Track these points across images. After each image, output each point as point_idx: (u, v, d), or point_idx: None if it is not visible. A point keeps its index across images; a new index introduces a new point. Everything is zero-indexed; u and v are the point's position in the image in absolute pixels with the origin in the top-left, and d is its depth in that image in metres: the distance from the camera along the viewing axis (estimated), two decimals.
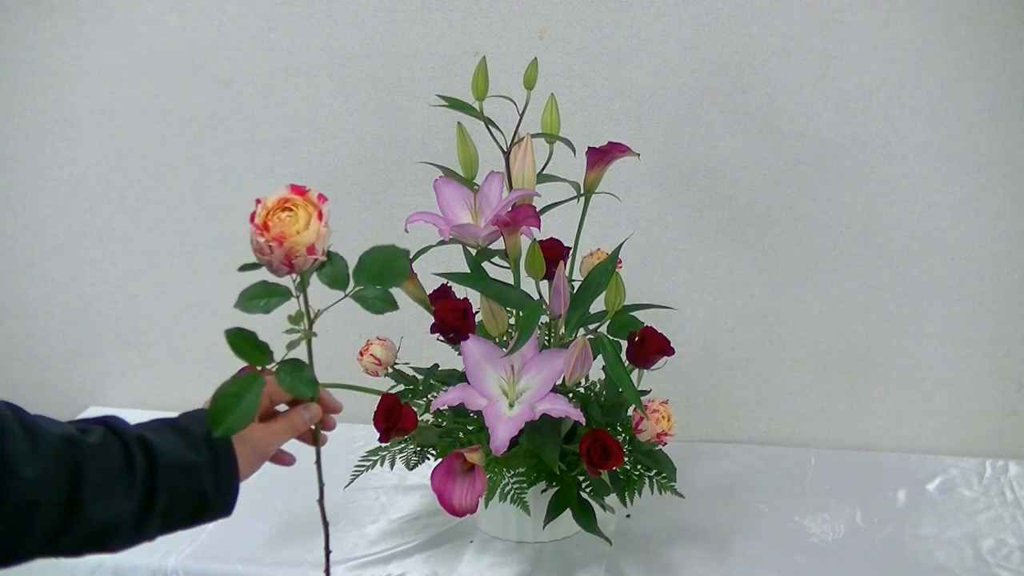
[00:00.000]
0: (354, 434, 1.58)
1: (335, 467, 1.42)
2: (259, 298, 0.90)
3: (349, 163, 1.68)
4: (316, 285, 0.93)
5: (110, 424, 0.91)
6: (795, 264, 1.60)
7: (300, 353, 0.94)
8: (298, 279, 0.91)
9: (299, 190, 0.89)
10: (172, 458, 0.90)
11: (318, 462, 1.02)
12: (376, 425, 1.23)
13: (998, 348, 1.59)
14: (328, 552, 1.04)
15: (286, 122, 1.68)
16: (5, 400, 0.87)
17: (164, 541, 1.40)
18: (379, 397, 1.25)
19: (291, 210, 0.88)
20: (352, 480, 1.38)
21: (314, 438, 1.04)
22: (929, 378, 1.62)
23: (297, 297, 0.91)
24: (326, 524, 1.03)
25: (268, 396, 1.00)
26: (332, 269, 0.93)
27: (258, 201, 0.88)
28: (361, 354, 1.34)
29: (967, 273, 1.56)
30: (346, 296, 0.94)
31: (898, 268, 1.58)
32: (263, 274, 0.92)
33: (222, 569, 1.37)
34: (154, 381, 1.86)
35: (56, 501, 0.84)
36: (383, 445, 1.33)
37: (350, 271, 0.95)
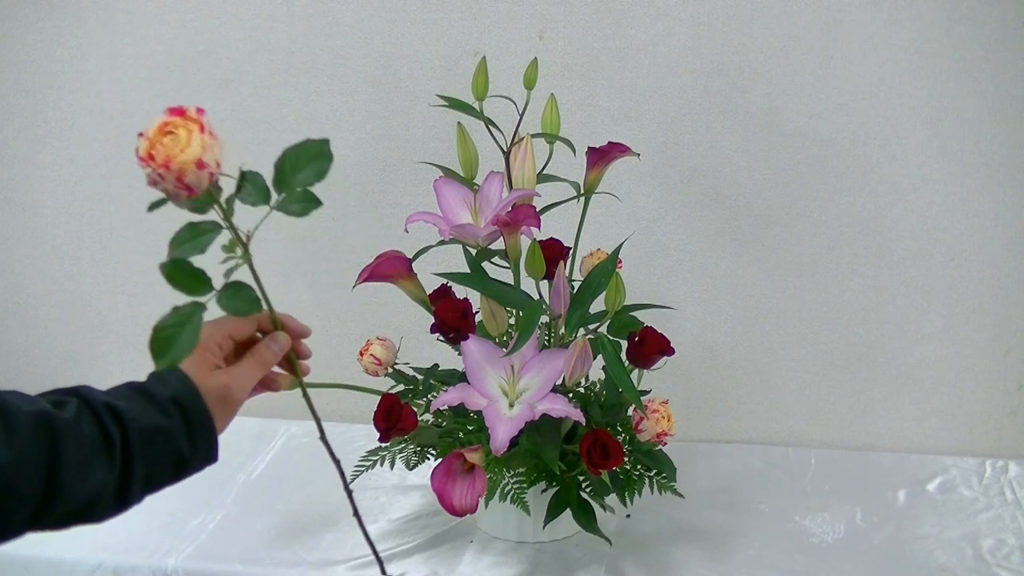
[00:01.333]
0: (354, 434, 1.58)
1: (334, 469, 1.43)
2: (189, 240, 0.87)
3: (349, 163, 1.68)
4: (245, 209, 0.91)
5: (82, 395, 0.89)
6: (795, 264, 1.60)
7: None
8: (222, 208, 0.88)
9: (177, 111, 0.85)
10: (143, 424, 0.88)
11: (305, 396, 0.98)
12: (376, 425, 1.23)
13: (998, 348, 1.59)
14: (349, 491, 1.00)
15: (286, 122, 1.68)
16: None
17: (164, 541, 1.41)
18: (379, 397, 1.25)
19: (172, 132, 0.84)
20: (352, 480, 1.38)
21: (292, 369, 1.01)
22: (929, 378, 1.62)
23: (228, 226, 0.88)
24: (336, 461, 0.99)
25: (230, 337, 0.97)
26: (251, 187, 0.91)
27: (140, 135, 0.83)
28: (361, 354, 1.34)
29: (967, 273, 1.56)
30: (272, 209, 0.91)
31: (898, 268, 1.58)
32: (188, 216, 0.89)
33: (222, 569, 1.37)
34: None
35: (34, 483, 0.82)
36: (383, 445, 1.33)
37: (269, 184, 0.91)
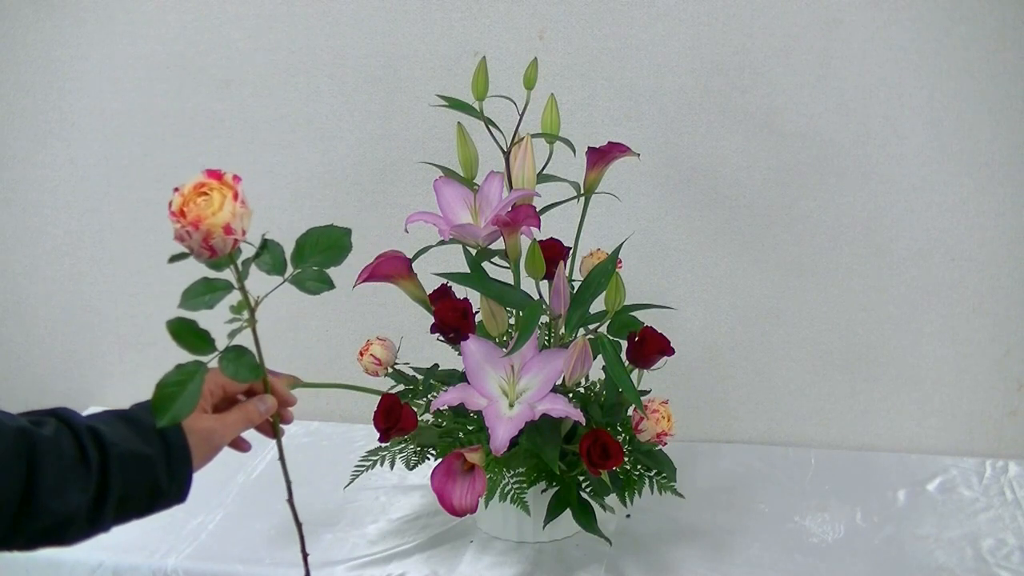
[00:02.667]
0: (354, 434, 1.58)
1: (335, 467, 1.43)
2: (201, 295, 0.90)
3: (349, 163, 1.68)
4: (259, 275, 0.93)
5: (61, 415, 0.91)
6: (795, 264, 1.60)
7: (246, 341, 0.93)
8: (237, 270, 0.91)
9: (215, 174, 0.88)
10: (123, 449, 0.90)
11: (281, 458, 1.01)
12: (376, 425, 1.23)
13: (998, 348, 1.59)
14: (305, 555, 1.03)
15: (286, 122, 1.68)
16: None
17: (164, 541, 1.41)
18: (379, 397, 1.25)
19: (206, 194, 0.87)
20: (352, 480, 1.38)
21: (274, 431, 1.03)
22: (929, 378, 1.62)
23: (239, 288, 0.91)
24: (299, 524, 1.02)
25: (222, 387, 1.00)
26: (269, 256, 0.93)
27: (176, 190, 0.87)
28: (361, 354, 1.34)
29: (967, 273, 1.56)
30: (284, 281, 0.94)
31: (898, 268, 1.58)
32: (204, 271, 0.92)
33: (222, 569, 1.37)
34: (154, 381, 1.85)
35: (11, 495, 0.83)
36: (383, 445, 1.33)
37: (288, 257, 0.95)
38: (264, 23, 1.64)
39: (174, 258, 0.91)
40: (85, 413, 1.95)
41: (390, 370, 1.36)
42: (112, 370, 1.88)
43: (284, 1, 1.62)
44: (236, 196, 0.88)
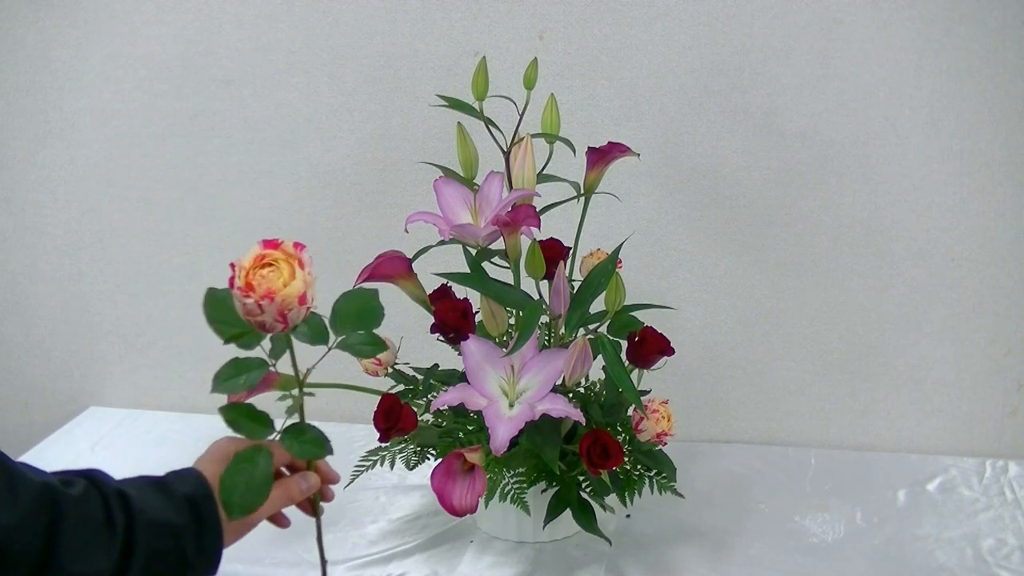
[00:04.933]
0: (354, 434, 1.58)
1: (335, 467, 1.42)
2: (236, 376, 0.88)
3: (349, 163, 1.68)
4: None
5: (92, 477, 0.89)
6: (795, 264, 1.60)
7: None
8: (272, 344, 0.90)
9: (272, 244, 0.86)
10: (152, 517, 0.88)
11: (319, 539, 1.01)
12: (376, 425, 1.23)
13: (998, 348, 1.59)
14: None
15: (286, 122, 1.68)
16: None
17: None
18: (379, 397, 1.25)
19: (271, 265, 0.84)
20: (352, 480, 1.38)
21: (314, 510, 1.02)
22: (929, 378, 1.62)
23: (272, 365, 0.90)
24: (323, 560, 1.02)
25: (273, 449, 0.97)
26: (308, 327, 0.92)
27: (232, 265, 0.84)
28: None
29: (967, 273, 1.56)
30: (331, 348, 0.93)
31: (898, 268, 1.58)
32: (231, 351, 0.90)
33: (222, 569, 1.35)
34: (154, 381, 1.86)
35: (31, 551, 0.81)
36: (383, 445, 1.33)
37: (326, 323, 0.94)
38: (264, 23, 1.64)
39: (233, 337, 0.89)
40: (85, 414, 1.95)
41: (390, 370, 1.36)
42: (112, 370, 1.88)
43: (284, 1, 1.62)
44: (303, 264, 0.85)
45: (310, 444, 0.91)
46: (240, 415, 0.90)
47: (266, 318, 0.84)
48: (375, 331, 0.97)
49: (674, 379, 1.40)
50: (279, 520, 1.03)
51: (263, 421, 0.90)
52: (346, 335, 0.94)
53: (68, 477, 0.88)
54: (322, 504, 1.04)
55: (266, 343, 0.91)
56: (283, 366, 0.94)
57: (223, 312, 0.88)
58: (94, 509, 0.85)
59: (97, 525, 0.85)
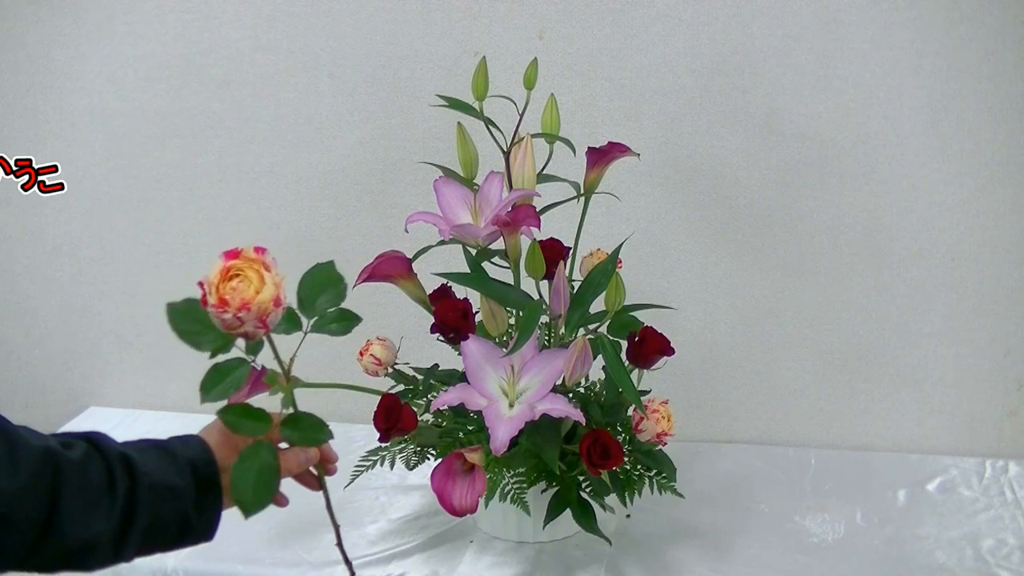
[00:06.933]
0: (354, 434, 1.58)
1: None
2: (221, 382, 0.90)
3: (349, 163, 1.68)
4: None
5: (94, 440, 0.89)
6: (795, 264, 1.60)
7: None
8: (271, 341, 0.91)
9: (233, 254, 0.86)
10: (155, 480, 0.89)
11: (328, 508, 1.03)
12: (376, 425, 1.23)
13: (998, 348, 1.59)
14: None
15: (286, 122, 1.68)
16: None
17: None
18: (379, 397, 1.25)
19: (238, 275, 0.85)
20: (352, 480, 1.38)
21: (320, 483, 1.04)
22: (929, 378, 1.62)
23: (252, 361, 0.91)
24: (348, 564, 1.04)
25: (267, 435, 0.98)
26: (282, 319, 0.92)
27: (201, 284, 0.85)
28: (361, 354, 1.34)
29: (967, 273, 1.56)
30: (307, 334, 0.95)
31: (898, 268, 1.58)
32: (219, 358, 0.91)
33: (222, 569, 1.37)
34: (154, 381, 1.86)
35: (33, 516, 0.82)
36: (383, 445, 1.33)
37: (295, 310, 0.95)
38: (264, 23, 1.64)
39: (217, 351, 0.90)
40: (85, 413, 1.95)
41: (390, 370, 1.36)
42: (112, 370, 1.88)
43: (284, 1, 1.62)
44: (268, 268, 0.86)
45: (309, 431, 0.93)
46: (239, 415, 0.91)
47: (247, 327, 0.85)
48: (344, 305, 0.99)
49: (674, 379, 1.40)
50: (278, 500, 1.03)
51: (262, 417, 0.92)
52: (317, 317, 0.95)
53: (69, 440, 0.88)
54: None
55: (240, 340, 0.92)
56: (263, 356, 0.96)
57: (191, 323, 0.90)
58: (95, 472, 0.86)
59: (98, 489, 0.86)
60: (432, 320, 1.28)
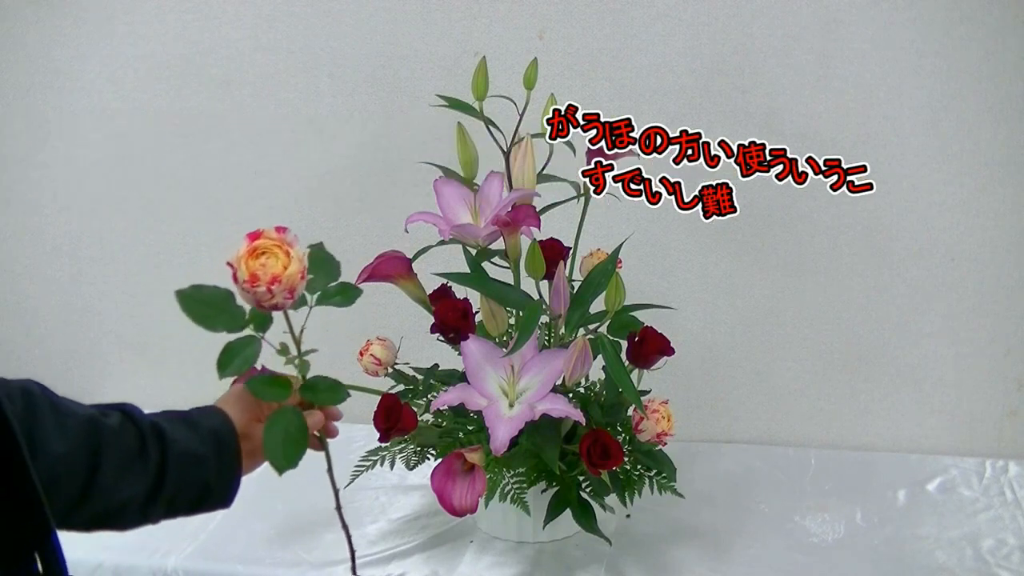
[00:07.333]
0: (354, 434, 1.58)
1: (335, 467, 1.43)
2: (235, 358, 0.95)
3: (349, 163, 1.68)
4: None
5: (126, 410, 0.96)
6: (795, 264, 1.60)
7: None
8: (254, 321, 0.96)
9: (256, 235, 0.94)
10: (182, 448, 0.95)
11: (329, 470, 1.05)
12: (376, 425, 1.23)
13: (998, 348, 1.59)
14: (353, 553, 1.08)
15: (286, 122, 1.68)
16: (32, 380, 0.91)
17: (164, 541, 1.41)
18: (379, 397, 1.25)
19: (265, 253, 0.93)
20: (352, 480, 1.38)
21: (322, 444, 1.07)
22: (929, 378, 1.62)
23: (261, 337, 0.96)
24: (346, 528, 1.06)
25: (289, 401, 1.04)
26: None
27: (230, 264, 0.93)
28: (361, 354, 1.34)
29: (967, 273, 1.56)
30: (312, 307, 1.00)
31: (898, 268, 1.58)
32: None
33: (222, 569, 1.37)
34: (154, 381, 1.86)
35: (77, 477, 0.88)
36: (383, 445, 1.33)
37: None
38: (264, 23, 1.64)
39: (236, 328, 0.96)
40: None
41: (390, 370, 1.36)
42: (112, 370, 1.88)
43: (284, 1, 1.63)
44: (292, 244, 0.94)
45: (328, 392, 1.00)
46: (263, 384, 0.98)
47: (277, 299, 0.93)
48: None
49: (674, 379, 1.39)
50: (313, 445, 1.08)
51: (284, 384, 0.98)
52: (320, 292, 1.01)
53: (105, 410, 0.95)
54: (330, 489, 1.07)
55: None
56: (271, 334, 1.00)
57: (201, 307, 0.96)
58: (130, 439, 0.93)
59: (132, 454, 0.93)
60: (432, 320, 1.27)
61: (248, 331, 0.96)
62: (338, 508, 1.05)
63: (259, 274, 0.91)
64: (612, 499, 1.32)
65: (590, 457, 1.19)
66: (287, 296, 0.93)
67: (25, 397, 0.88)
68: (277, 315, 0.97)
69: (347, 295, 1.03)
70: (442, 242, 1.31)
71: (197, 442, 0.97)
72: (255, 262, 0.92)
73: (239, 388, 1.05)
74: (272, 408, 1.01)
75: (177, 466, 0.94)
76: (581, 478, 1.30)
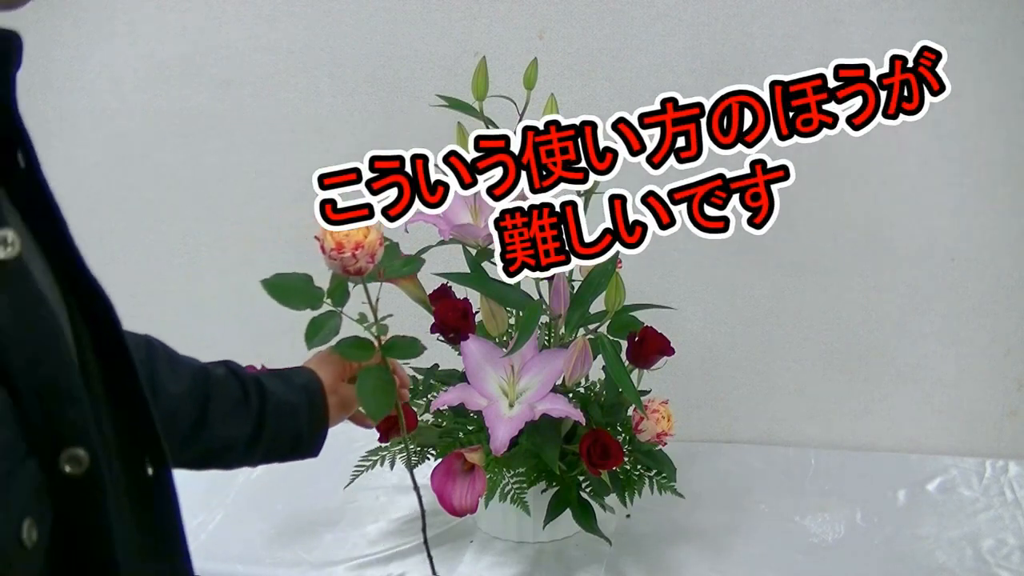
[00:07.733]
0: (354, 434, 1.58)
1: (335, 467, 1.43)
2: (319, 331, 1.04)
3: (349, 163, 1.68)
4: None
5: (231, 366, 1.06)
6: (795, 264, 1.60)
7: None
8: (332, 296, 1.06)
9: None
10: (280, 399, 1.04)
11: (407, 447, 1.17)
12: (376, 425, 1.23)
13: (998, 348, 1.58)
14: (425, 534, 1.17)
15: (286, 122, 1.68)
16: (151, 335, 1.01)
17: None
18: None
19: None
20: (352, 480, 1.38)
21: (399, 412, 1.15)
22: (929, 378, 1.62)
23: (341, 311, 1.06)
24: (420, 496, 1.15)
25: (355, 365, 1.13)
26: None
27: (317, 238, 1.02)
28: None
29: (967, 273, 1.56)
30: (383, 281, 1.09)
31: (898, 268, 1.58)
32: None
33: (222, 569, 1.37)
34: None
35: (190, 416, 0.98)
36: (383, 445, 1.33)
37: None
38: (264, 23, 1.64)
39: (328, 293, 1.07)
40: None
41: None
42: None
43: (284, 1, 1.62)
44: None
45: (407, 347, 1.10)
46: (349, 347, 1.07)
47: (361, 264, 1.03)
48: (344, 304, 1.10)
49: (674, 379, 1.39)
50: (363, 420, 1.16)
51: (367, 345, 1.08)
52: (387, 268, 1.11)
53: (211, 364, 1.05)
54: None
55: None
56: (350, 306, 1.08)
57: (283, 291, 1.06)
58: (234, 388, 1.02)
59: (236, 400, 1.02)
60: (432, 320, 1.27)
61: (327, 307, 1.05)
62: (415, 488, 1.14)
63: (344, 242, 1.01)
64: (612, 499, 1.32)
65: (590, 457, 1.19)
66: (369, 260, 1.02)
67: (147, 347, 0.99)
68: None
69: (411, 265, 1.14)
70: (442, 242, 1.31)
71: (292, 394, 1.05)
72: (338, 233, 1.02)
73: (324, 353, 1.12)
74: (353, 368, 1.11)
75: (275, 414, 1.03)
76: (581, 478, 1.30)
